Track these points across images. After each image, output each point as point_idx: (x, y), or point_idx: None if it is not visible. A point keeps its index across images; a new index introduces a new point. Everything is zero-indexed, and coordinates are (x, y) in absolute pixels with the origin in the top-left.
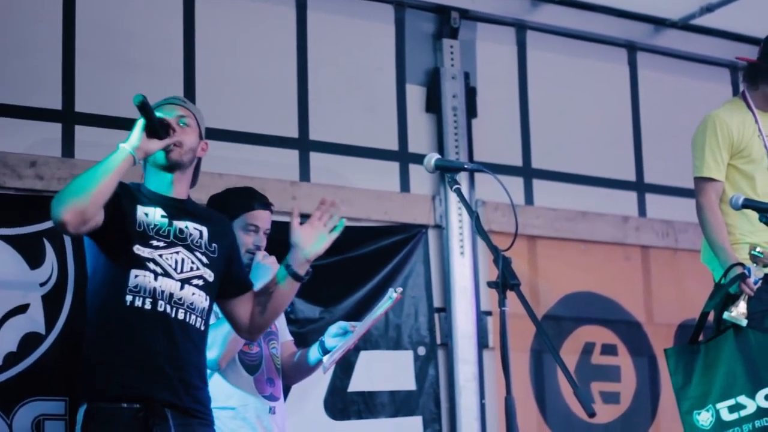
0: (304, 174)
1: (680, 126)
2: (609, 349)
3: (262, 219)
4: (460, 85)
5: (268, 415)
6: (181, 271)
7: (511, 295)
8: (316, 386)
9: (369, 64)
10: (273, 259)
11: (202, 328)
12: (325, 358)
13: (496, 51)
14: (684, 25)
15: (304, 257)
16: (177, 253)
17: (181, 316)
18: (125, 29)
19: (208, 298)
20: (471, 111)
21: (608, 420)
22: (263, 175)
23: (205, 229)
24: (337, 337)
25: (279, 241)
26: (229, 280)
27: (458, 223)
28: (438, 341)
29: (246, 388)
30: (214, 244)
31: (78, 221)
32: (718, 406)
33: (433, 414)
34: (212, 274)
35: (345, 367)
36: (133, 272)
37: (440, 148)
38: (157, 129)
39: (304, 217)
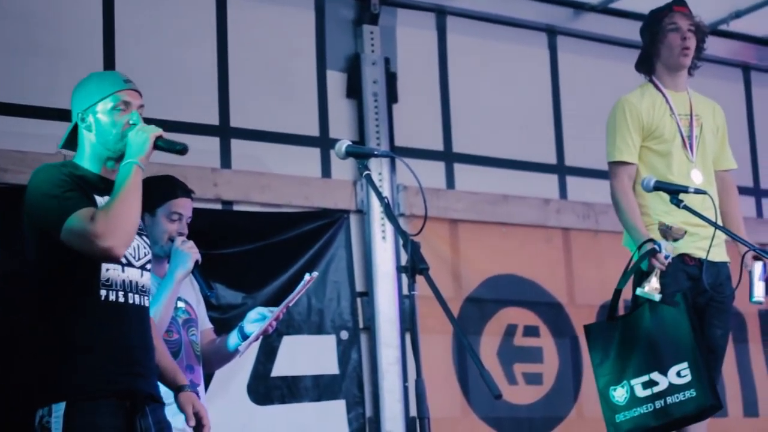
0: (225, 161)
1: (600, 109)
2: (531, 331)
3: (185, 207)
4: (380, 70)
5: None
6: (139, 258)
7: (438, 279)
8: (239, 371)
9: (289, 50)
10: (191, 243)
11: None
12: (242, 345)
13: (417, 36)
14: (603, 9)
15: None
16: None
17: (145, 303)
18: (42, 16)
19: None
20: (392, 96)
21: (531, 401)
22: (184, 163)
23: None
24: (256, 323)
25: (199, 228)
26: None
27: (380, 208)
28: (361, 325)
29: None
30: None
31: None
32: (633, 382)
33: (356, 397)
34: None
35: (268, 352)
36: (104, 265)
37: (361, 134)
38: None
39: (226, 204)
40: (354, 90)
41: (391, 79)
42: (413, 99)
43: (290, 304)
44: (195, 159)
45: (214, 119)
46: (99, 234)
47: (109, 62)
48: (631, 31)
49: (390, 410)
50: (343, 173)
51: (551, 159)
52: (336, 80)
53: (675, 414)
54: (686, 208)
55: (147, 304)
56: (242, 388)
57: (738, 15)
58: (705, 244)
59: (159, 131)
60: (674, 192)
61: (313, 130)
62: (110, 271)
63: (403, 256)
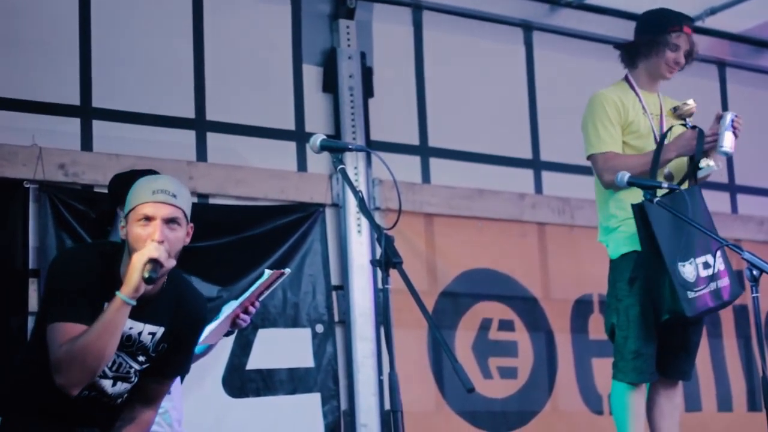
0: (201, 154)
1: (575, 104)
2: (506, 325)
3: None
4: (356, 65)
5: None
6: (117, 371)
7: (413, 273)
8: (214, 364)
9: (265, 44)
10: None
11: (126, 400)
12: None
13: (392, 31)
14: (579, 5)
15: None
16: (117, 356)
17: (105, 400)
18: (18, 9)
19: (137, 380)
20: (367, 91)
21: (506, 395)
22: (160, 156)
23: (160, 331)
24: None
25: None
26: (158, 362)
27: (355, 201)
28: (336, 319)
29: None
30: (163, 345)
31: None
32: (698, 260)
33: (331, 391)
34: (146, 368)
35: (243, 345)
36: None
37: (337, 128)
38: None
39: (201, 197)
40: (330, 84)
41: (367, 73)
42: (389, 93)
43: (260, 298)
44: (171, 152)
45: (190, 112)
46: (57, 365)
47: (85, 55)
48: (607, 27)
49: (365, 403)
50: (318, 167)
51: (527, 154)
52: (312, 74)
53: (724, 298)
54: (660, 203)
55: (113, 404)
56: (217, 381)
57: (713, 11)
58: None
59: (146, 258)
60: (648, 188)
61: (289, 124)
62: None
63: (378, 250)
